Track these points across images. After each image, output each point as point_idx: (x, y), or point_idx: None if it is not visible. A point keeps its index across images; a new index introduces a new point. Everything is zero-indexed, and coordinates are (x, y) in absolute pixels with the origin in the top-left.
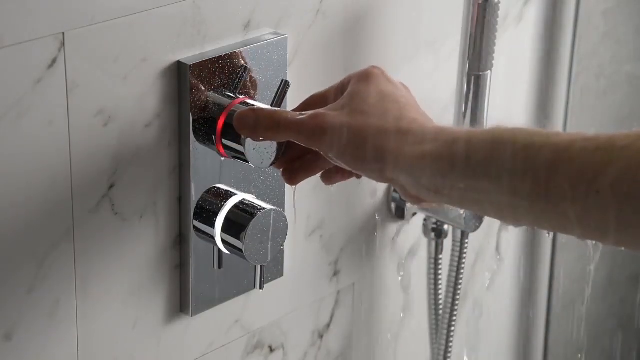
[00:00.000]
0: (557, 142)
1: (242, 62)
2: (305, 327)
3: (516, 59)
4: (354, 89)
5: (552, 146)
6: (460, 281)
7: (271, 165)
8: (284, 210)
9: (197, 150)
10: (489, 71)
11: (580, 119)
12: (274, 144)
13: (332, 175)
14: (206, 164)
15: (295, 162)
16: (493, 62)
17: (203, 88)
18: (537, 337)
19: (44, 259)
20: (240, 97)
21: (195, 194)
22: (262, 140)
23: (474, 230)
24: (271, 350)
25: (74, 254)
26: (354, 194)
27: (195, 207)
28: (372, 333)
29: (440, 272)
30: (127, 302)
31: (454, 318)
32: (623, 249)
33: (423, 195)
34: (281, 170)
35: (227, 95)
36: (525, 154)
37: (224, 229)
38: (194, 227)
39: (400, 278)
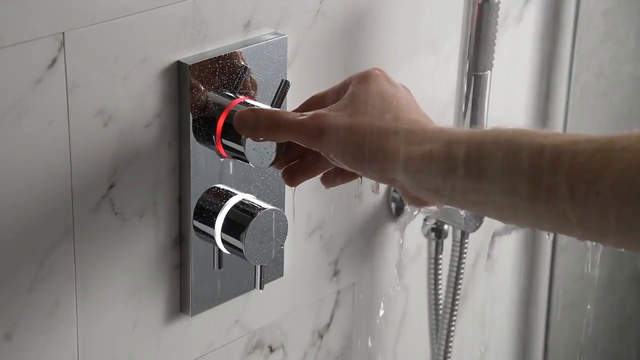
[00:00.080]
0: (557, 143)
1: (242, 62)
2: (305, 327)
3: (516, 59)
4: (355, 90)
5: (552, 147)
6: (460, 281)
7: (271, 165)
8: (284, 210)
9: (197, 150)
10: (489, 71)
11: (580, 119)
12: (274, 144)
13: (331, 178)
14: (206, 164)
15: (295, 163)
16: (493, 62)
17: (203, 88)
18: (537, 337)
19: (44, 259)
20: (240, 97)
21: (195, 194)
22: (262, 141)
23: (474, 230)
24: (271, 350)
25: (74, 254)
26: (354, 194)
27: (195, 207)
28: (372, 333)
29: (440, 272)
30: (127, 302)
31: (454, 318)
32: (623, 250)
33: (423, 195)
34: (281, 171)
35: (227, 95)
36: (525, 154)
37: (224, 229)
38: (194, 227)
39: (400, 278)
